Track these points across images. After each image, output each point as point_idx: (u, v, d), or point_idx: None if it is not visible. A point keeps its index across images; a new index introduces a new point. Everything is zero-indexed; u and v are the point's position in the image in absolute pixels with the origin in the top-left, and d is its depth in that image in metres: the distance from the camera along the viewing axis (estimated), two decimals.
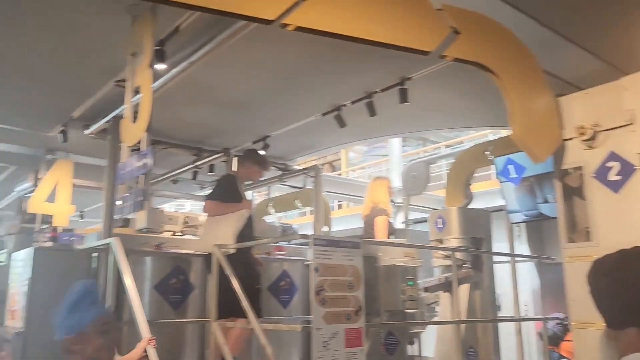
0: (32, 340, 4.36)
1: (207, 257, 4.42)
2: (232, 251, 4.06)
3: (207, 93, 5.07)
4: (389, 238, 5.31)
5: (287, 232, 6.53)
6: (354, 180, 11.77)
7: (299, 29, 2.35)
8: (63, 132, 5.71)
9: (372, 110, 4.91)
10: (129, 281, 3.80)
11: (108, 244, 4.24)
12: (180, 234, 5.67)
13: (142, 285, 4.82)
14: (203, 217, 6.06)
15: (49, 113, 5.54)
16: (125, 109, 3.50)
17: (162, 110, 5.07)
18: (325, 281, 3.78)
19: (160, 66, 3.68)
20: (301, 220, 10.12)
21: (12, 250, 7.39)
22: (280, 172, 7.16)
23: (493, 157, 5.29)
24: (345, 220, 10.47)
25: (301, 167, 7.32)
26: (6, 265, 7.19)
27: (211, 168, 7.12)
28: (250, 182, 5.63)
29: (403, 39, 2.44)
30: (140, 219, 5.45)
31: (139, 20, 3.33)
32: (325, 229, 7.42)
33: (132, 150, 3.51)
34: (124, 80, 4.50)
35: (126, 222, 8.86)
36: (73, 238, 6.19)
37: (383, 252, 4.68)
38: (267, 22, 2.28)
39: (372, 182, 5.50)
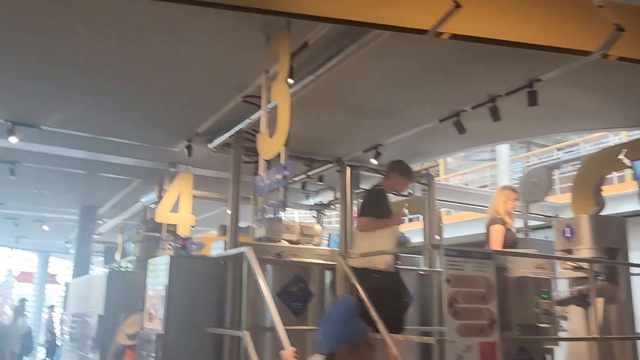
0: (171, 342, 4.64)
1: (359, 271, 4.50)
2: (382, 267, 4.18)
3: (323, 104, 5.16)
4: (510, 248, 5.08)
5: (400, 240, 6.46)
6: (465, 188, 11.39)
7: (454, 36, 2.31)
8: (189, 147, 6.07)
9: (496, 115, 4.73)
10: (265, 289, 3.92)
11: (241, 252, 4.42)
12: (296, 242, 5.81)
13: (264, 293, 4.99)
14: (317, 226, 6.19)
15: (176, 129, 5.92)
16: (262, 124, 3.63)
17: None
18: (458, 293, 3.68)
19: (289, 81, 3.79)
20: (405, 227, 9.96)
21: (139, 257, 7.98)
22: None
23: (630, 160, 4.90)
24: (454, 228, 10.19)
25: None
26: (133, 271, 7.78)
27: (320, 178, 7.25)
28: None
29: (562, 41, 2.32)
30: (259, 228, 5.67)
31: (275, 37, 3.45)
32: (437, 237, 7.26)
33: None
34: (251, 96, 4.76)
35: (245, 231, 9.29)
36: (194, 245, 6.56)
37: (512, 263, 4.49)
38: (423, 32, 2.26)
39: (497, 190, 5.31)
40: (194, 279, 4.88)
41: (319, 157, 6.62)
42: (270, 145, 3.40)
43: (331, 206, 8.34)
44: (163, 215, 6.88)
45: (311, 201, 8.85)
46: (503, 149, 10.36)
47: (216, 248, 5.48)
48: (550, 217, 9.06)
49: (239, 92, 4.78)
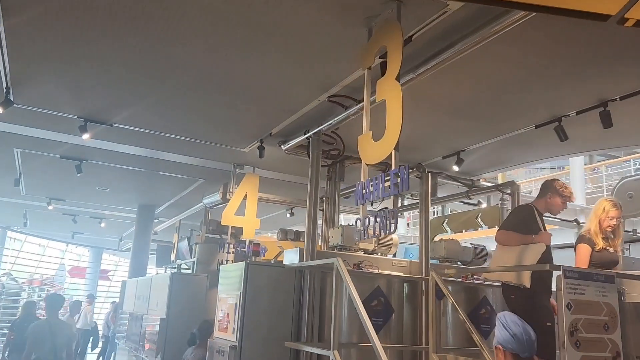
0: (245, 354, 4.38)
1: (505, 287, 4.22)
2: (520, 284, 3.87)
3: (413, 104, 4.80)
4: (608, 269, 4.58)
5: (479, 254, 6.04)
6: None
7: (638, 23, 1.92)
8: (260, 147, 5.83)
9: (607, 121, 4.27)
10: (359, 303, 3.61)
11: (325, 262, 4.12)
12: (372, 252, 5.47)
13: (342, 306, 4.68)
14: (395, 236, 5.82)
15: (248, 129, 5.68)
16: (364, 125, 3.31)
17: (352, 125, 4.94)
18: (579, 320, 3.26)
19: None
20: (468, 237, 9.46)
21: (200, 260, 7.82)
22: (465, 188, 6.69)
23: None
24: None
25: (489, 184, 6.79)
26: (195, 274, 7.61)
27: None
28: None
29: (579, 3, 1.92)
30: (334, 235, 5.36)
31: (382, 31, 3.13)
32: None
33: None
34: (337, 96, 4.45)
35: (297, 236, 9.01)
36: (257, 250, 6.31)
37: (627, 286, 4.00)
38: (605, 17, 1.88)
39: (596, 203, 4.82)
40: (271, 288, 4.61)
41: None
42: (376, 149, 3.08)
43: (399, 213, 7.97)
44: (229, 217, 6.67)
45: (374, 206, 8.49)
46: (577, 159, 9.72)
47: (289, 255, 5.20)
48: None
49: (322, 92, 4.50)
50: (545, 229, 4.58)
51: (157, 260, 12.91)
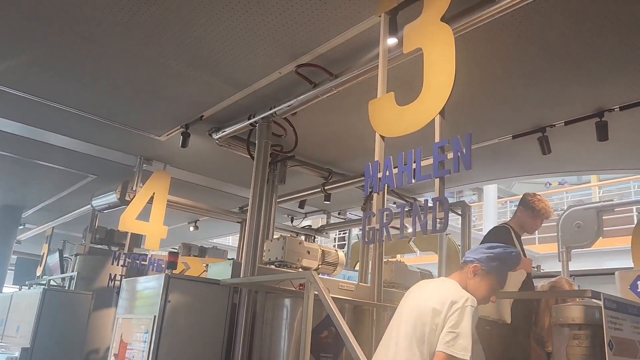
0: None
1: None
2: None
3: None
4: None
5: (426, 278, 5.35)
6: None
7: None
8: (185, 134, 4.65)
9: (602, 134, 3.81)
10: (344, 327, 2.63)
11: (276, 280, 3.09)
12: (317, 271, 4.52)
13: (284, 334, 3.67)
14: (341, 253, 4.92)
15: (171, 109, 4.48)
16: (380, 85, 2.41)
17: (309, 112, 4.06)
18: None
19: (392, 40, 2.64)
20: (415, 261, 8.82)
21: (81, 274, 6.30)
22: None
23: None
24: None
25: None
26: (76, 292, 6.06)
27: (302, 203, 6.06)
28: None
29: None
30: (272, 249, 4.33)
31: None
32: None
33: None
34: (310, 65, 3.51)
35: (201, 252, 7.74)
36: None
37: None
38: None
39: None
40: (196, 310, 3.45)
41: (339, 169, 5.43)
42: (404, 116, 2.19)
43: (323, 232, 7.12)
44: (129, 222, 5.32)
45: (295, 224, 7.57)
46: (491, 187, 9.63)
47: (217, 270, 4.07)
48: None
49: (289, 60, 3.52)
50: (524, 253, 4.02)
51: (15, 276, 10.76)
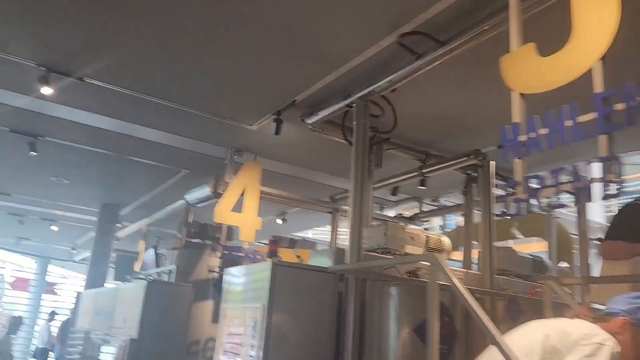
0: None
1: None
2: None
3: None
4: None
5: (538, 267, 4.92)
6: None
7: None
8: (278, 121, 4.55)
9: None
10: (483, 316, 2.36)
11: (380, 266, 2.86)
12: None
13: (391, 325, 3.44)
14: (446, 239, 4.63)
15: (263, 96, 4.39)
16: (512, 35, 2.11)
17: (414, 94, 3.78)
18: None
19: None
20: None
21: (180, 268, 6.40)
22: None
23: None
24: None
25: None
26: (177, 284, 6.17)
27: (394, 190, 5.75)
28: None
29: None
30: (373, 235, 4.12)
31: None
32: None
33: None
34: (414, 33, 3.25)
35: (291, 244, 7.69)
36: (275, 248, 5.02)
37: None
38: None
39: None
40: (305, 299, 3.32)
41: (436, 150, 5.11)
42: (552, 66, 1.88)
43: (417, 221, 6.80)
44: (224, 214, 5.32)
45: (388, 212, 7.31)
46: None
47: (317, 259, 3.92)
48: None
49: (389, 31, 3.28)
50: None
51: (115, 273, 11.32)
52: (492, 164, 4.32)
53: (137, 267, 9.15)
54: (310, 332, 3.29)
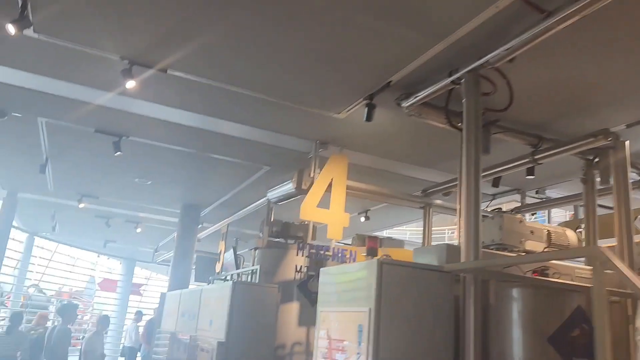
0: None
1: None
2: None
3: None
4: None
5: None
6: None
7: None
8: (370, 106, 4.14)
9: None
10: None
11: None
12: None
13: (516, 332, 2.93)
14: (571, 233, 4.03)
15: (353, 78, 3.99)
16: None
17: (529, 66, 3.24)
18: None
19: None
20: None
21: (263, 268, 6.16)
22: None
23: None
24: None
25: None
26: (263, 284, 5.94)
27: (496, 181, 5.11)
28: None
29: None
30: (487, 230, 3.61)
31: None
32: None
33: None
34: None
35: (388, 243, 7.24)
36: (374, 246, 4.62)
37: None
38: None
39: None
40: (416, 301, 2.88)
41: (550, 133, 4.48)
42: None
43: (519, 213, 6.15)
44: (310, 211, 4.98)
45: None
46: None
47: (421, 258, 3.47)
48: None
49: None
50: None
51: (196, 274, 11.40)
52: (627, 144, 3.68)
53: (218, 268, 9.08)
54: (423, 340, 2.84)
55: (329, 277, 3.35)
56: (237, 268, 8.21)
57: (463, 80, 3.40)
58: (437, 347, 2.87)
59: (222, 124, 5.22)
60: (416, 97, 3.83)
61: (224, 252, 8.92)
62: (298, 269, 5.21)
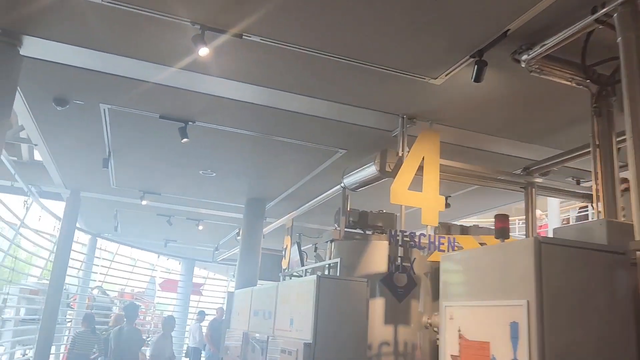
0: None
1: None
2: None
3: None
4: None
5: None
6: None
7: None
8: (480, 63, 3.49)
9: None
10: None
11: None
12: None
13: None
14: None
15: (457, 30, 3.36)
16: None
17: None
18: None
19: None
20: None
21: (345, 262, 5.61)
22: None
23: None
24: None
25: None
26: (348, 279, 5.38)
27: None
28: None
29: None
30: None
31: None
32: None
33: None
34: None
35: (463, 232, 6.56)
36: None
37: None
38: None
39: None
40: (586, 289, 2.23)
41: None
42: None
43: None
44: (401, 194, 4.39)
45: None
46: None
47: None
48: None
49: None
50: None
51: (260, 273, 11.05)
52: None
53: (284, 264, 8.63)
54: (595, 339, 2.19)
55: (455, 265, 2.74)
56: (303, 264, 7.72)
57: (615, 15, 2.71)
58: (615, 347, 2.21)
59: (296, 100, 4.68)
60: (543, 45, 3.16)
61: (290, 248, 8.46)
62: (392, 260, 4.62)
